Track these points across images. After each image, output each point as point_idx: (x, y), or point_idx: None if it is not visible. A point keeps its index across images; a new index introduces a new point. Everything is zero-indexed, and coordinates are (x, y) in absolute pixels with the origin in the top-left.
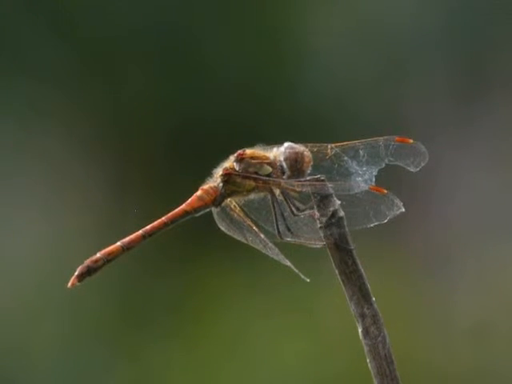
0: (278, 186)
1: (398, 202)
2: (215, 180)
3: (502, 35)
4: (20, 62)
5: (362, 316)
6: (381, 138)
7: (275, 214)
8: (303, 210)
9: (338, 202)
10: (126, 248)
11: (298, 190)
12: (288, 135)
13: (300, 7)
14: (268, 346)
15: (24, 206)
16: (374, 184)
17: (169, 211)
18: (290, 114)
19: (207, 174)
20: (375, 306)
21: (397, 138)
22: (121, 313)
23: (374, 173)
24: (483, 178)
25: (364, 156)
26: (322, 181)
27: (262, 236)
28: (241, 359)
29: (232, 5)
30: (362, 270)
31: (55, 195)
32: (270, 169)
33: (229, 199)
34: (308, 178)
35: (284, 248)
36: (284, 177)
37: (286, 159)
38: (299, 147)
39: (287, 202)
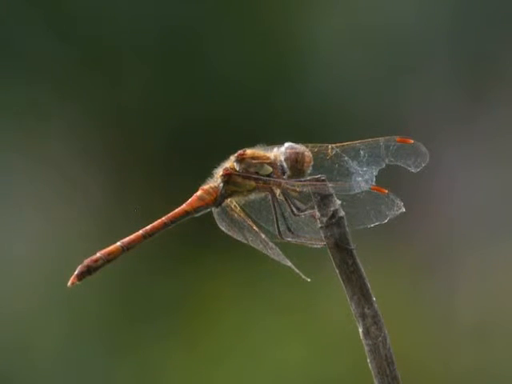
0: (279, 186)
1: (398, 202)
2: (216, 180)
3: (503, 35)
4: (20, 62)
5: (363, 316)
6: (381, 138)
7: (276, 214)
8: (304, 210)
9: (339, 202)
10: (125, 248)
11: (298, 190)
12: (288, 135)
13: (301, 7)
14: (268, 346)
15: (24, 205)
16: (374, 184)
17: (169, 211)
18: (291, 114)
19: (207, 174)
20: (376, 306)
21: (397, 139)
22: (121, 312)
23: (375, 173)
24: (484, 177)
25: (365, 156)
26: (323, 181)
27: (263, 236)
28: (241, 359)
29: (232, 5)
30: (363, 270)
31: (55, 195)
32: (270, 169)
33: (229, 199)
34: (308, 178)
35: (284, 248)
36: (284, 177)
37: (286, 159)
38: (300, 147)
39: (288, 202)
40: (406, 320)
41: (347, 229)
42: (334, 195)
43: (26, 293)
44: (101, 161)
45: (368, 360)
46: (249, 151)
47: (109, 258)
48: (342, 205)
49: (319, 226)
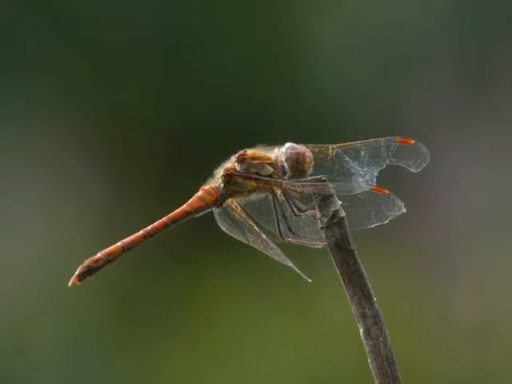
0: (280, 186)
1: (399, 202)
2: (216, 180)
3: (503, 35)
4: (20, 62)
5: (364, 316)
6: (382, 138)
7: (276, 215)
8: (304, 211)
9: (340, 203)
10: (126, 248)
11: (299, 190)
12: (289, 135)
13: (302, 7)
14: (268, 346)
15: (24, 205)
16: (375, 184)
17: (170, 211)
18: (292, 114)
19: (208, 174)
20: (376, 306)
21: (398, 139)
22: (121, 312)
23: (376, 173)
24: (484, 177)
25: (365, 156)
26: (324, 181)
27: (264, 236)
28: (241, 360)
29: (234, 4)
30: (364, 271)
31: (56, 195)
32: (271, 169)
33: (230, 199)
34: (309, 179)
35: (285, 249)
36: (285, 177)
37: (287, 159)
38: (300, 148)
39: (288, 203)
40: (406, 320)
41: (348, 229)
42: (334, 196)
43: (27, 293)
44: (101, 161)
45: (369, 360)
46: (249, 151)
47: (109, 259)
48: (342, 205)
49: (320, 226)
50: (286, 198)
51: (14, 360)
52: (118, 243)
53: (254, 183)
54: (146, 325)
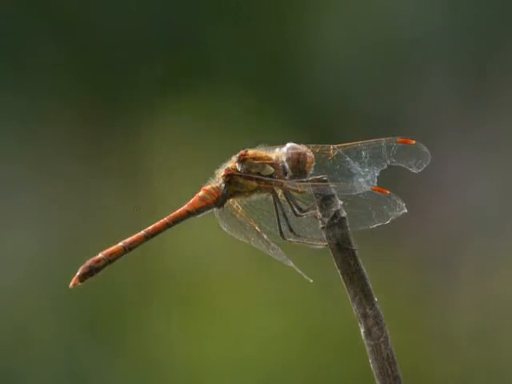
0: (281, 186)
1: (400, 202)
2: (217, 180)
3: (505, 35)
4: (20, 62)
5: (365, 316)
6: (383, 138)
7: (277, 215)
8: (305, 211)
9: (341, 203)
10: (127, 248)
11: (300, 190)
12: (290, 135)
13: (303, 5)
14: (269, 347)
15: (24, 206)
16: (376, 185)
17: (171, 211)
18: (292, 114)
19: (209, 174)
20: (377, 306)
21: (399, 139)
22: (120, 312)
23: (377, 174)
24: (485, 177)
25: (366, 157)
26: (325, 181)
27: (265, 237)
28: (241, 361)
29: (235, 4)
30: (365, 271)
31: (56, 195)
32: (272, 169)
33: (231, 200)
34: (310, 179)
35: (286, 249)
36: (286, 177)
37: (288, 160)
38: (301, 148)
39: (289, 203)
40: (407, 320)
41: (349, 229)
42: (335, 196)
43: (27, 293)
44: (101, 161)
45: (370, 360)
46: (250, 151)
47: (111, 259)
48: (343, 205)
49: (321, 226)
50: (287, 198)
51: (14, 360)
52: (120, 243)
53: (255, 183)
54: (146, 325)
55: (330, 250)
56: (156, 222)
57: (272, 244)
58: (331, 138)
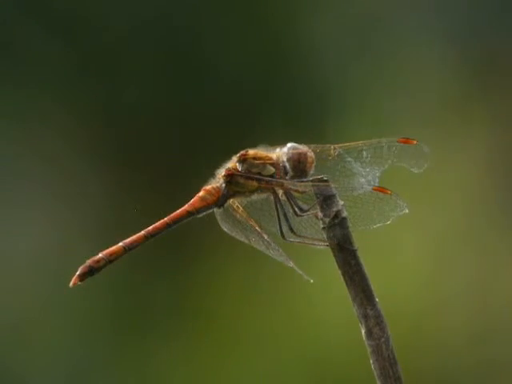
0: (281, 186)
1: (401, 202)
2: (218, 180)
3: (504, 33)
4: (20, 62)
5: (366, 317)
6: (384, 138)
7: (278, 215)
8: (306, 211)
9: (342, 203)
10: (128, 248)
11: (301, 190)
12: (290, 135)
13: (300, 4)
14: (270, 346)
15: (24, 206)
16: (377, 185)
17: (171, 212)
18: (293, 114)
19: (210, 174)
20: (378, 306)
21: (400, 139)
22: (120, 313)
23: (378, 173)
24: (484, 177)
25: (367, 157)
26: (326, 181)
27: (266, 237)
28: (242, 360)
29: (233, 4)
30: (366, 271)
31: (56, 195)
32: (272, 169)
33: (231, 200)
34: (311, 179)
35: (287, 249)
36: (287, 177)
37: (288, 160)
38: (302, 148)
39: (290, 203)
40: (408, 321)
41: (350, 229)
42: (336, 196)
43: (28, 294)
44: (102, 161)
45: (371, 361)
46: (251, 151)
47: (111, 259)
48: (344, 205)
49: (322, 226)
50: (287, 198)
51: (14, 360)
52: (120, 243)
53: (255, 183)
54: (146, 326)
55: (330, 250)
56: (156, 222)
57: (273, 244)
58: (332, 138)
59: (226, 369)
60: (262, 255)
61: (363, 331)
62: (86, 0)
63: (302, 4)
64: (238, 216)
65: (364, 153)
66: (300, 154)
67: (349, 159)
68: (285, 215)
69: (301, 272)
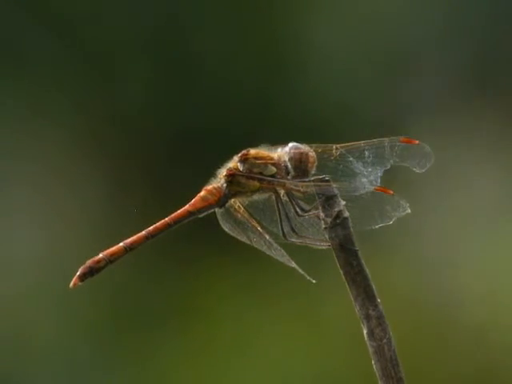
0: (283, 186)
1: (403, 202)
2: (219, 180)
3: (504, 34)
4: (20, 62)
5: (367, 317)
6: (386, 138)
7: (280, 215)
8: (308, 211)
9: (343, 203)
10: (128, 248)
11: (302, 190)
12: (291, 135)
13: (300, 7)
14: (272, 347)
15: (24, 206)
16: (379, 185)
17: (172, 212)
18: (293, 114)
19: (210, 174)
20: (380, 307)
21: (402, 139)
22: (120, 315)
23: (380, 173)
24: (485, 178)
25: (369, 157)
26: (327, 181)
27: (267, 237)
28: (242, 363)
29: (233, 7)
30: (367, 272)
31: (56, 195)
32: (274, 169)
33: (233, 200)
34: (313, 179)
35: (289, 249)
36: (288, 177)
37: (290, 159)
38: (304, 147)
39: (292, 203)
40: (410, 321)
41: (352, 230)
42: (338, 196)
43: (28, 294)
44: (101, 161)
45: (373, 362)
46: (252, 151)
47: (111, 259)
48: (346, 205)
49: (323, 226)
50: (289, 198)
51: (14, 360)
52: (120, 244)
53: (257, 183)
54: (146, 326)
55: (332, 251)
56: (157, 222)
57: (274, 244)
58: (334, 138)
59: (227, 369)
60: (264, 255)
61: (365, 332)
62: (86, 0)
63: (303, 6)
64: (239, 216)
65: (366, 153)
66: (302, 153)
67: (351, 159)
68: (286, 215)
69: (303, 272)
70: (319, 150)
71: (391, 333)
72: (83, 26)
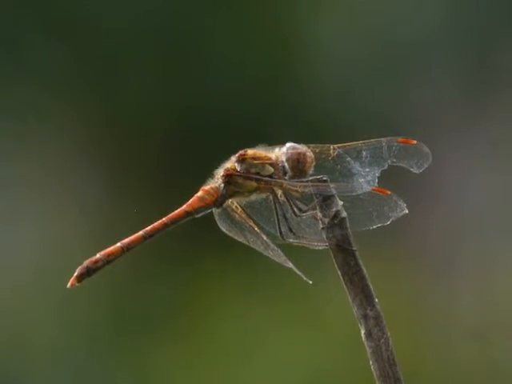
0: (280, 186)
1: (401, 203)
2: (216, 180)
3: (505, 34)
4: (20, 62)
5: (365, 317)
6: (384, 138)
7: (277, 215)
8: (305, 211)
9: (341, 203)
10: (126, 249)
11: (300, 190)
12: (290, 135)
13: (305, 5)
14: (272, 347)
15: (23, 207)
16: (376, 185)
17: (169, 212)
18: (293, 114)
19: (208, 174)
20: (378, 307)
21: (400, 139)
22: (120, 314)
23: (377, 174)
24: (486, 178)
25: (367, 157)
26: (325, 181)
27: (264, 237)
28: (242, 364)
29: (235, 1)
30: (365, 272)
31: (55, 195)
32: (271, 169)
33: (230, 200)
34: (310, 179)
35: (286, 249)
36: (286, 177)
37: (287, 160)
38: (301, 148)
39: (289, 203)
40: (408, 321)
41: (349, 230)
42: (335, 196)
43: (26, 295)
44: (100, 161)
45: (370, 362)
46: (250, 151)
47: (109, 259)
48: (344, 206)
49: (321, 226)
50: (286, 198)
51: (14, 361)
52: (118, 244)
53: (254, 183)
54: (146, 327)
55: (330, 251)
56: (155, 222)
57: (271, 245)
58: (332, 138)
59: (228, 370)
60: (264, 257)
61: (363, 332)
62: (86, 0)
63: (308, 5)
64: (236, 216)
65: (363, 153)
66: (299, 153)
67: (348, 159)
68: (284, 215)
69: (300, 273)
70: (317, 150)
71: (389, 333)
72: (84, 26)
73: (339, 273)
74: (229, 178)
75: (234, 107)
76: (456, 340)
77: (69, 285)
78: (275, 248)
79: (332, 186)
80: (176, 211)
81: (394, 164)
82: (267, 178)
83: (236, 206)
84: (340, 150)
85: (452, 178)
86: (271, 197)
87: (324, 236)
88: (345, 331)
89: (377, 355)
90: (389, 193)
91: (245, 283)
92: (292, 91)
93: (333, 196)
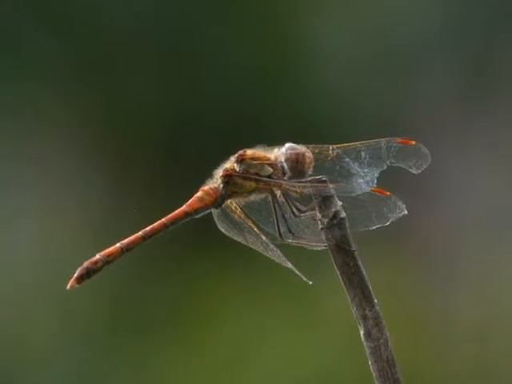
0: (279, 187)
1: (400, 204)
2: (216, 181)
3: (505, 35)
4: (20, 62)
5: (364, 318)
6: (383, 139)
7: (276, 216)
8: (304, 212)
9: (340, 204)
10: (125, 249)
11: (299, 191)
12: (290, 135)
13: (306, 7)
14: (271, 348)
15: (23, 207)
16: (375, 186)
17: (169, 212)
18: (293, 114)
19: (208, 174)
20: (377, 308)
21: (399, 140)
22: (120, 314)
23: (376, 174)
24: (485, 179)
25: (366, 157)
26: (324, 182)
27: (263, 238)
28: (243, 362)
29: (236, 2)
30: (364, 272)
31: (54, 196)
32: (270, 170)
33: (229, 200)
34: (309, 179)
35: (285, 250)
36: (285, 178)
37: (287, 160)
38: (300, 148)
39: (288, 204)
40: (407, 322)
41: (348, 230)
42: (335, 196)
43: (26, 295)
44: (100, 161)
45: (369, 362)
46: (249, 152)
47: (108, 260)
48: (343, 207)
49: (320, 227)
50: (285, 198)
51: (14, 361)
52: (117, 244)
53: (253, 184)
54: (146, 327)
55: (329, 251)
56: (154, 222)
57: (270, 245)
58: (331, 138)
59: (228, 371)
60: (264, 258)
61: (362, 332)
62: (86, 1)
63: (310, 6)
64: (235, 217)
65: (362, 153)
66: (298, 154)
67: (347, 160)
68: (283, 216)
69: (299, 273)
70: (316, 151)
71: (388, 333)
72: (84, 26)
73: (338, 273)
74: (228, 178)
75: (233, 107)
76: (456, 341)
77: (68, 286)
78: (274, 248)
79: (331, 186)
80: (175, 212)
81: (393, 165)
82: (266, 179)
83: (235, 207)
84: (339, 151)
85: (452, 179)
86: (270, 197)
87: (323, 236)
88: (344, 331)
89: (376, 356)
90: (388, 193)
91: (245, 283)
92: (292, 92)
93: (332, 196)
